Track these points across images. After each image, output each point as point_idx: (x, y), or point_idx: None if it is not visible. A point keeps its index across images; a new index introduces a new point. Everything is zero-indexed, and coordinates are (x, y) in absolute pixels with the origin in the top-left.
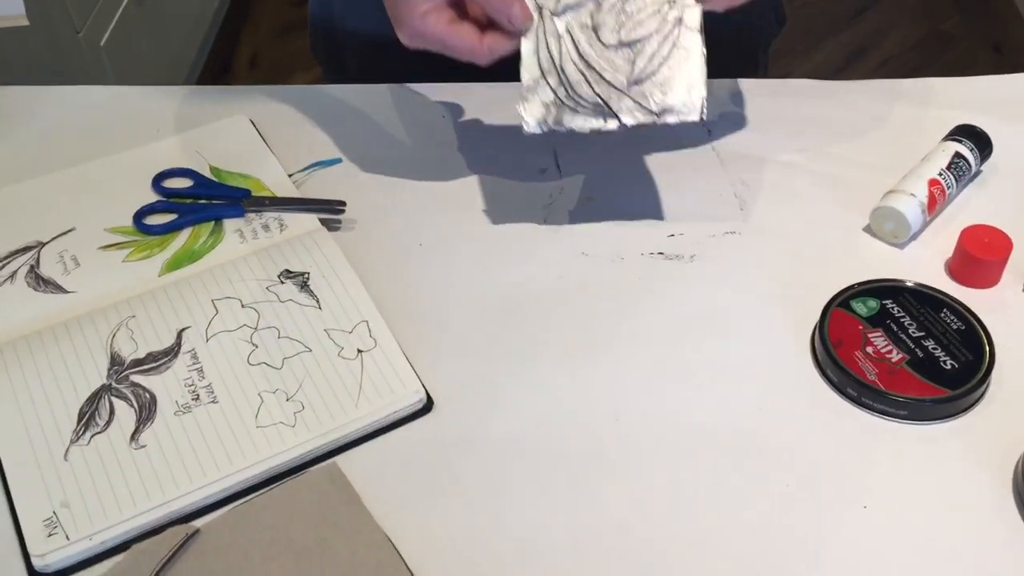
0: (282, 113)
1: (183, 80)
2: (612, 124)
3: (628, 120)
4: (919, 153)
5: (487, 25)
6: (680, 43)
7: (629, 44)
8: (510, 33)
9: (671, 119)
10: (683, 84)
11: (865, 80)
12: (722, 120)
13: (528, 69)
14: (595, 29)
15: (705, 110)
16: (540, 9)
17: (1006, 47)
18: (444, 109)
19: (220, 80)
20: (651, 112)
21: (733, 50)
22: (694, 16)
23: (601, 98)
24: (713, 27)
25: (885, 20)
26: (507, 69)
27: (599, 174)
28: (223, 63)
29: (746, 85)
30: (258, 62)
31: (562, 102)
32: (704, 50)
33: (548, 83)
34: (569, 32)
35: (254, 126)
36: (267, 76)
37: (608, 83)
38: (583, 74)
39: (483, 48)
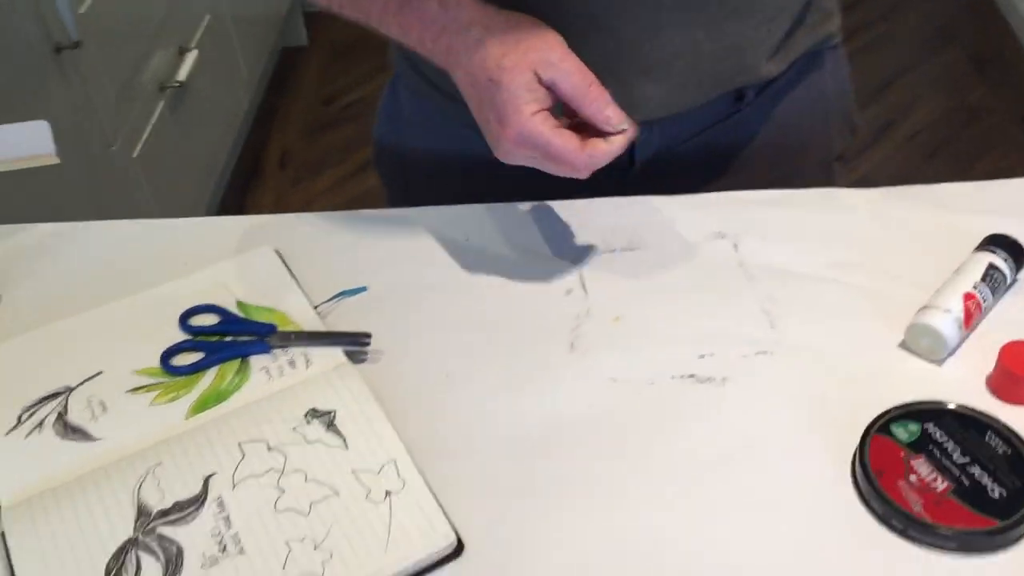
0: (307, 241)
1: (215, 181)
2: None
3: None
4: (951, 262)
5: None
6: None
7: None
8: (607, 136)
9: None
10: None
11: (889, 187)
12: (748, 233)
13: None
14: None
15: None
16: None
17: None
18: (468, 231)
19: (251, 180)
20: None
21: (812, 163)
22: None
23: None
24: (792, 141)
25: (911, 93)
26: (544, 188)
27: (626, 293)
28: (253, 163)
29: (769, 195)
30: (288, 161)
31: None
32: None
33: None
34: None
35: (280, 257)
36: (296, 175)
37: None
38: None
39: (584, 154)
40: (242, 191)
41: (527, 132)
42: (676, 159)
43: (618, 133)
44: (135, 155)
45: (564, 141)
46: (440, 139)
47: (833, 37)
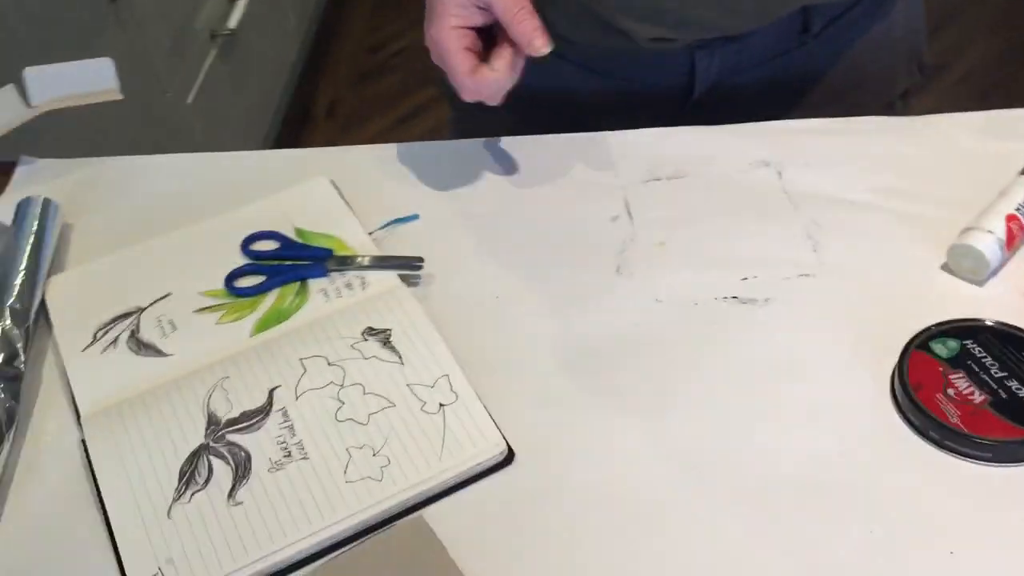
0: (360, 171)
1: (265, 130)
2: None
3: None
4: (995, 187)
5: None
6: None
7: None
8: (500, 73)
9: None
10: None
11: (935, 115)
12: (792, 161)
13: None
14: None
15: None
16: None
17: None
18: (516, 162)
19: (300, 129)
20: None
21: (874, 100)
22: None
23: None
24: (856, 77)
25: (964, 34)
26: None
27: (670, 219)
28: (302, 112)
29: (815, 124)
30: (336, 110)
31: None
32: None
33: None
34: None
35: (334, 186)
36: (345, 123)
37: None
38: None
39: (469, 79)
40: (293, 139)
41: (436, 41)
42: (736, 90)
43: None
44: (189, 102)
45: (457, 61)
46: None
47: None
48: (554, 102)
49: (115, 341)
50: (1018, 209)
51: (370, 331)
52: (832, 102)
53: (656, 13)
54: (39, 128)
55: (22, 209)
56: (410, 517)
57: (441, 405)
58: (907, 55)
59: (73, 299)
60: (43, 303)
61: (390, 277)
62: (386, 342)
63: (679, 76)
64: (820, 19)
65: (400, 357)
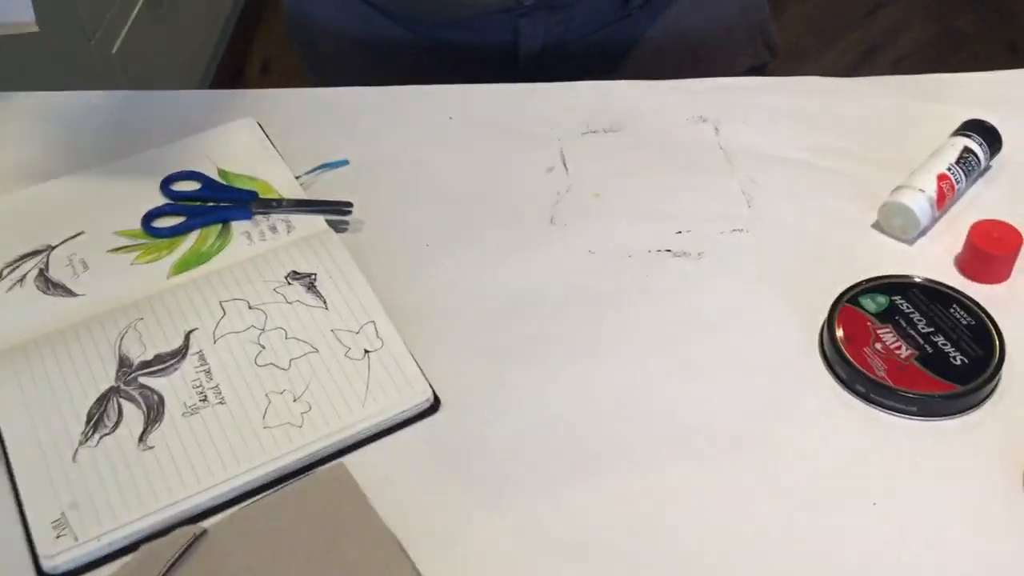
0: (289, 116)
1: (195, 86)
2: None
3: None
4: (928, 149)
5: None
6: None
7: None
8: None
9: None
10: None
11: (874, 76)
12: (730, 118)
13: None
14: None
15: None
16: None
17: (1021, 45)
18: (451, 110)
19: (232, 86)
20: None
21: (712, 73)
22: None
23: None
24: (686, 49)
25: (899, 18)
26: (492, 72)
27: (606, 171)
28: (235, 69)
29: (755, 83)
30: (270, 68)
31: None
32: None
33: None
34: None
35: (261, 129)
36: (278, 82)
37: None
38: None
39: None
40: None
41: None
42: (566, 56)
43: None
44: (113, 51)
45: None
46: (341, 15)
47: None
48: (391, 51)
49: (22, 279)
50: (949, 169)
51: (294, 275)
52: (664, 75)
53: None
54: None
55: None
56: (330, 464)
57: (366, 351)
58: (746, 34)
59: None
60: None
61: (317, 221)
62: (311, 286)
63: (502, 41)
64: None
65: (325, 302)
